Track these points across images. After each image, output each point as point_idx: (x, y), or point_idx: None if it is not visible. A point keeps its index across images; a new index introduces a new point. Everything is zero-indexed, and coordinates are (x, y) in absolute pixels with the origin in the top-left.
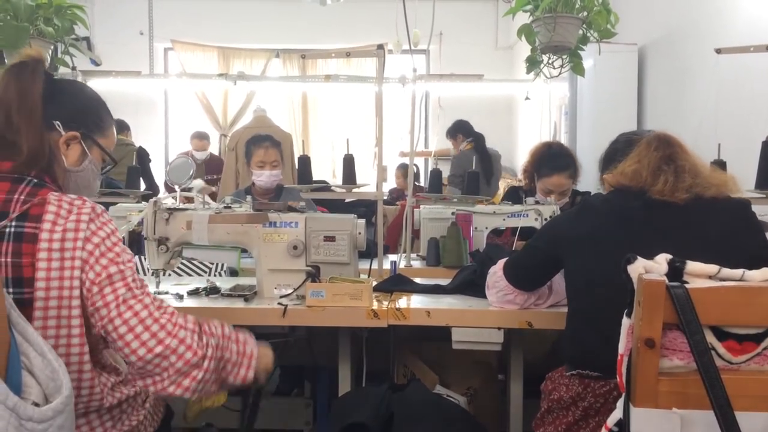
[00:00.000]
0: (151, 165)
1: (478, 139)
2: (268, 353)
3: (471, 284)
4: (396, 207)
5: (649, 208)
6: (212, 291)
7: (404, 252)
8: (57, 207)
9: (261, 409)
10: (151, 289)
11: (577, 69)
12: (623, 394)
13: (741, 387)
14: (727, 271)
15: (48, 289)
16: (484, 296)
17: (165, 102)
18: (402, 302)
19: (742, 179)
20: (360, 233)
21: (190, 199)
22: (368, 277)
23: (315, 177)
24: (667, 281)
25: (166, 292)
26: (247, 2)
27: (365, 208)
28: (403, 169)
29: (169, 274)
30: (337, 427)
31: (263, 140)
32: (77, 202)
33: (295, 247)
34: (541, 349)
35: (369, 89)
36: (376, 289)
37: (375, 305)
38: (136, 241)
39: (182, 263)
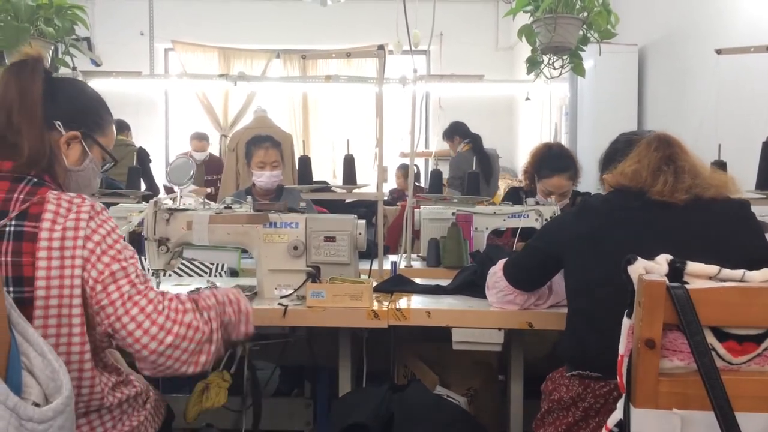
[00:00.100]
0: (152, 165)
1: (475, 140)
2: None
3: (471, 285)
4: (396, 207)
5: (649, 209)
6: None
7: (404, 252)
8: (56, 206)
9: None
10: None
11: (578, 69)
12: (623, 395)
13: (741, 388)
14: (727, 272)
15: (48, 288)
16: (484, 297)
17: (165, 102)
18: (402, 303)
19: (743, 180)
20: (360, 234)
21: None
22: (368, 277)
23: (315, 177)
24: (667, 282)
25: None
26: (247, 3)
27: (365, 208)
28: (404, 169)
29: (170, 275)
30: (338, 427)
31: (263, 141)
32: (76, 200)
33: (295, 248)
34: (542, 350)
35: (369, 90)
36: (376, 289)
37: (375, 306)
38: (136, 242)
39: (182, 264)
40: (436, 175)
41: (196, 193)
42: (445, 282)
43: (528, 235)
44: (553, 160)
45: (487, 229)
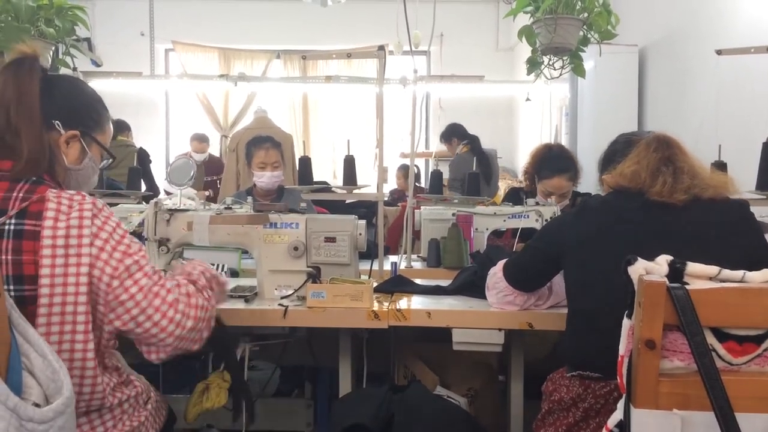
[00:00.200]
0: (152, 166)
1: (473, 141)
2: None
3: (471, 285)
4: (397, 208)
5: (648, 209)
6: None
7: (405, 253)
8: (57, 204)
9: (261, 410)
10: None
11: (578, 70)
12: (624, 395)
13: (741, 388)
14: (727, 273)
15: (52, 286)
16: (484, 297)
17: (166, 103)
18: (402, 303)
19: (743, 180)
20: (360, 234)
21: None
22: (369, 278)
23: (316, 178)
24: (667, 282)
25: None
26: (248, 3)
27: (366, 209)
28: (404, 170)
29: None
30: (338, 428)
31: (264, 141)
32: (77, 198)
33: (295, 248)
34: (542, 350)
35: (370, 90)
36: (376, 290)
37: (375, 306)
38: None
39: (183, 264)
40: (436, 175)
41: (198, 195)
42: (445, 282)
43: (528, 236)
44: (554, 161)
45: (487, 229)
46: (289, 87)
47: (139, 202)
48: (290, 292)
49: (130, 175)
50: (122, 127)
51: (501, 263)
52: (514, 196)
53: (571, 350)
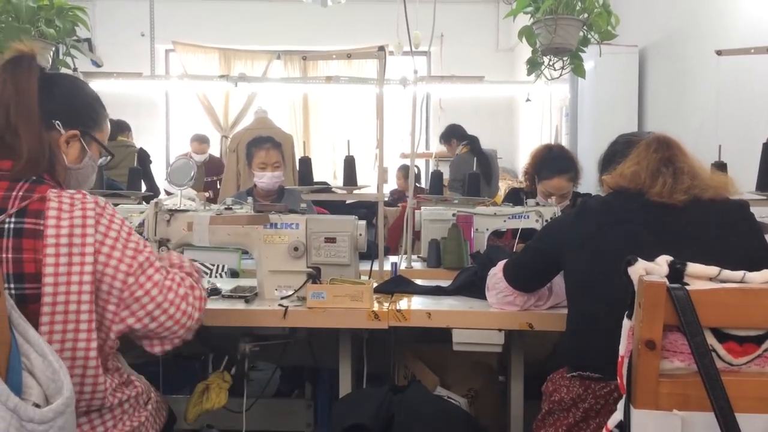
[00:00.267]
0: (152, 166)
1: (473, 141)
2: None
3: (472, 286)
4: (397, 208)
5: (648, 210)
6: (213, 292)
7: (405, 253)
8: (58, 203)
9: (261, 410)
10: None
11: (578, 71)
12: (624, 396)
13: (742, 389)
14: (727, 273)
15: (56, 285)
16: (484, 298)
17: (166, 103)
18: (403, 303)
19: (743, 181)
20: (361, 234)
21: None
22: (369, 278)
23: (316, 178)
24: (667, 283)
25: None
26: (248, 4)
27: (366, 209)
28: (404, 170)
29: None
30: (338, 428)
31: (264, 142)
32: (77, 196)
33: (295, 249)
34: (542, 351)
35: (370, 91)
36: (376, 290)
37: (376, 307)
38: None
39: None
40: (436, 176)
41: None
42: (445, 283)
43: (528, 237)
44: (554, 162)
45: (487, 230)
46: (289, 87)
47: (139, 203)
48: (290, 292)
49: (130, 175)
50: (122, 128)
51: (501, 264)
52: (515, 197)
53: (572, 351)
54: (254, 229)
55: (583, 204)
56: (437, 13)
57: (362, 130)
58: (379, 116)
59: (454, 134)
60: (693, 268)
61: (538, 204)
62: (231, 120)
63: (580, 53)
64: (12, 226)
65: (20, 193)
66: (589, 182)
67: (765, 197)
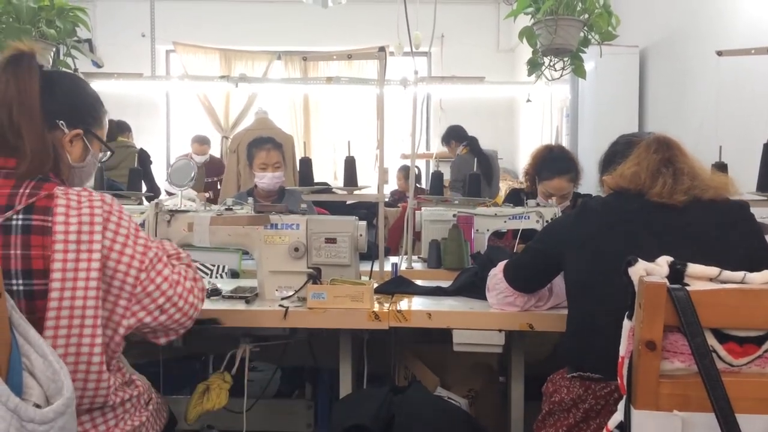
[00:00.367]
0: (153, 167)
1: (473, 142)
2: None
3: (472, 286)
4: (397, 209)
5: (648, 211)
6: (213, 293)
7: (405, 254)
8: (66, 200)
9: (262, 411)
10: None
11: (579, 71)
12: (624, 397)
13: (742, 389)
14: (728, 274)
15: (63, 280)
16: (485, 298)
17: (167, 104)
18: (403, 304)
19: (743, 181)
20: (361, 235)
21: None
22: (369, 279)
23: (316, 179)
24: (668, 284)
25: None
26: (248, 4)
27: (366, 210)
28: (405, 171)
29: None
30: (338, 428)
31: (265, 142)
32: (84, 194)
33: (296, 249)
34: (542, 352)
35: (370, 91)
36: (377, 291)
37: (376, 307)
38: None
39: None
40: (437, 176)
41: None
42: (445, 284)
43: (529, 237)
44: (554, 162)
45: (488, 230)
46: (289, 88)
47: (139, 203)
48: (291, 293)
49: (130, 176)
50: (123, 128)
51: (501, 264)
52: (515, 197)
53: (572, 351)
54: (255, 229)
55: (583, 205)
56: (438, 14)
57: (363, 130)
58: (379, 117)
59: (452, 135)
60: (693, 268)
61: (538, 204)
62: (231, 120)
63: (580, 54)
64: (20, 222)
65: (27, 191)
66: (590, 183)
67: (765, 198)
